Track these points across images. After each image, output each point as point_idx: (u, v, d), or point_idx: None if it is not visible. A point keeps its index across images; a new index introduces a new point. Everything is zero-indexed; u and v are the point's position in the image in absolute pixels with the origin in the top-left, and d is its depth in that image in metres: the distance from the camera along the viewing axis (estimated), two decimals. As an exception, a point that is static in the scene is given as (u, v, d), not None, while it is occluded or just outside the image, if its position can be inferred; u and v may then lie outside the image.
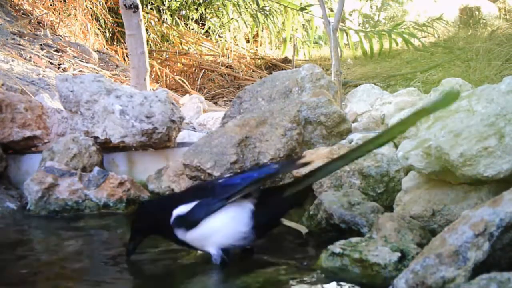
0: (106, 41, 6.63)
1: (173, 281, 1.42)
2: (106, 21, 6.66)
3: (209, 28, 7.88)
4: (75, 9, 6.14)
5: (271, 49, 8.42)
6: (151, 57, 5.88)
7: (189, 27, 7.74)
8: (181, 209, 1.46)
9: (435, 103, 1.23)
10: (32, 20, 5.73)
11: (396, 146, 1.94)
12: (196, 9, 7.81)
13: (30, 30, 5.44)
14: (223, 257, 1.41)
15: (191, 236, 1.45)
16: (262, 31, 8.11)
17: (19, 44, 4.85)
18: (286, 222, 1.77)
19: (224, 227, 1.41)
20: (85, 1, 6.26)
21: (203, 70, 6.76)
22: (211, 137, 2.07)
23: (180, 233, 1.46)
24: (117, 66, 5.65)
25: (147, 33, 6.36)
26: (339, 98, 2.79)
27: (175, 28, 7.41)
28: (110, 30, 6.82)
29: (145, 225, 1.53)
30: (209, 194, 1.45)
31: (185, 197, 1.51)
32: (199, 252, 1.53)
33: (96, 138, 2.35)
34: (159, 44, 7.17)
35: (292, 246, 1.68)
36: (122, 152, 2.45)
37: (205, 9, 7.86)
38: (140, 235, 1.53)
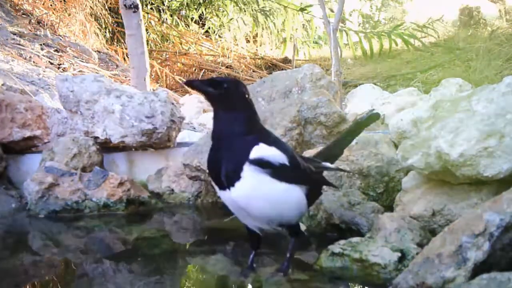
0: (106, 41, 6.63)
1: (172, 279, 1.42)
2: (106, 21, 6.66)
3: (209, 28, 7.87)
4: (75, 9, 6.13)
5: (271, 49, 8.41)
6: (151, 57, 5.88)
7: (189, 27, 7.74)
8: (267, 151, 1.22)
9: (360, 123, 1.49)
10: (32, 20, 5.72)
11: (396, 146, 1.94)
12: (196, 9, 7.80)
13: (30, 30, 5.44)
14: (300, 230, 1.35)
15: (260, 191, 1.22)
16: (262, 30, 8.11)
17: (19, 44, 4.85)
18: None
19: (290, 205, 1.29)
20: (85, 1, 6.25)
21: (203, 70, 6.76)
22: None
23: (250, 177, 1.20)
24: (117, 66, 5.65)
25: (147, 33, 6.36)
26: (339, 98, 2.79)
27: (175, 28, 7.41)
28: (110, 30, 6.82)
29: None
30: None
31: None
32: (198, 252, 1.51)
33: (96, 138, 2.35)
34: (159, 44, 7.18)
35: (292, 246, 1.68)
36: (122, 152, 2.45)
37: (205, 9, 7.86)
38: None
